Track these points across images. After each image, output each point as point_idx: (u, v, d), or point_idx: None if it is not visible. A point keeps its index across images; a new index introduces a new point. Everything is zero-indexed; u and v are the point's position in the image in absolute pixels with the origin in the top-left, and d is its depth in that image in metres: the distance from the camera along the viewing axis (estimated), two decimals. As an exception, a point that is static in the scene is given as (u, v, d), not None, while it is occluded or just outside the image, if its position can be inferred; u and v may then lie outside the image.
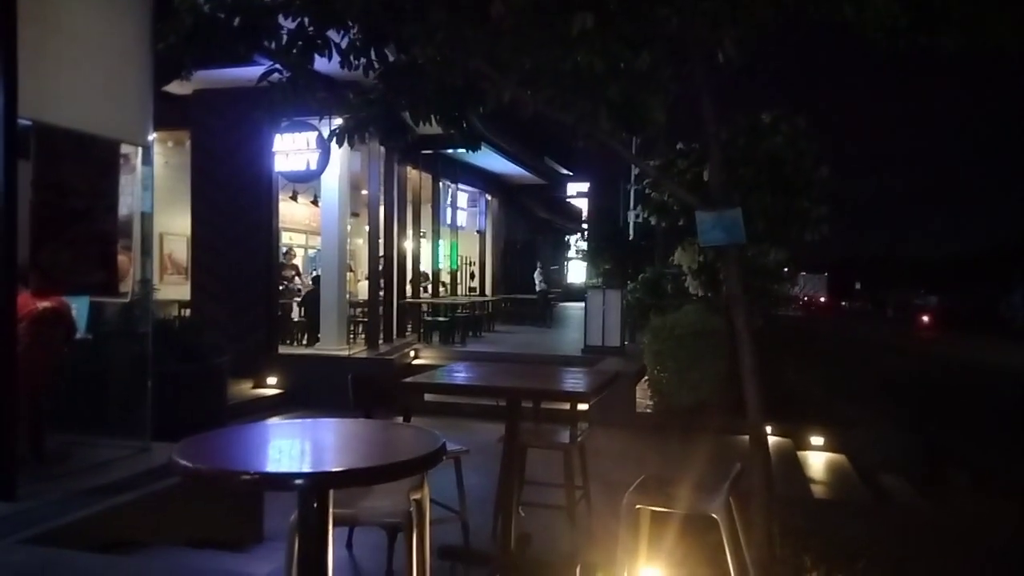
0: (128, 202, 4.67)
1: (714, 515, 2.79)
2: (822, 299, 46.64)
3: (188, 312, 10.14)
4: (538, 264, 19.50)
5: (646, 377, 8.93)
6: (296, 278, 12.70)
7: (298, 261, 14.16)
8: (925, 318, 34.75)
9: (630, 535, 2.94)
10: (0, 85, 3.43)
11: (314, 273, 12.55)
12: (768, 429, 4.42)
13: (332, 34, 4.04)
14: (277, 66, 4.18)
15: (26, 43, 3.55)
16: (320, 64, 4.15)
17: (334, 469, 1.86)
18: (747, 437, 3.79)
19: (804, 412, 8.34)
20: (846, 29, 3.48)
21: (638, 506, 2.95)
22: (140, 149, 4.63)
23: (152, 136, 4.67)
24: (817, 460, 7.39)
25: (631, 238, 21.36)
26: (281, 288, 11.32)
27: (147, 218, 4.82)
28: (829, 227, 8.38)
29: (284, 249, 11.80)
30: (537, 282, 18.16)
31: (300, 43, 4.00)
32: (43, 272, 3.95)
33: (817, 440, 7.68)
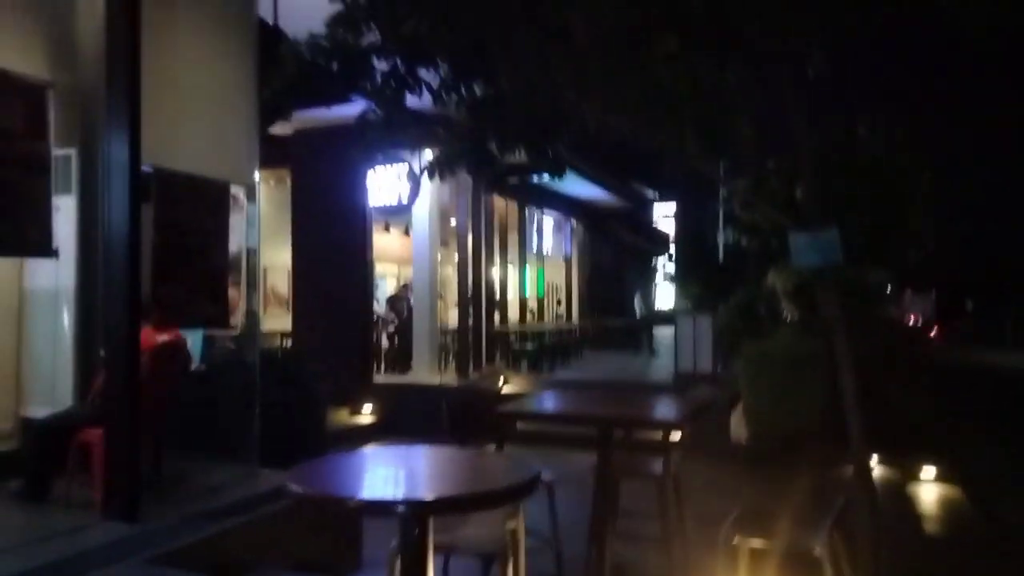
0: (236, 239, 4.96)
1: (816, 552, 2.69)
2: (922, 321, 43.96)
3: (289, 342, 10.58)
4: (637, 291, 19.21)
5: (741, 405, 8.68)
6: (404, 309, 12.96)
7: (391, 291, 14.57)
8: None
9: (728, 571, 2.87)
10: (127, 136, 3.74)
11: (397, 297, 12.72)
12: (874, 459, 4.22)
13: (423, 72, 4.22)
14: (372, 106, 4.39)
15: (146, 96, 3.86)
16: (412, 101, 4.33)
17: (434, 497, 1.92)
18: (850, 468, 3.64)
19: (915, 441, 7.88)
20: (946, 26, 3.32)
21: (736, 540, 2.88)
22: (246, 188, 4.93)
23: (257, 176, 4.97)
24: (929, 493, 6.96)
25: (721, 260, 20.89)
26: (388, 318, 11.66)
27: (253, 253, 5.11)
28: (933, 241, 7.96)
29: (404, 282, 12.11)
30: (637, 307, 17.80)
31: (393, 83, 4.20)
32: (162, 308, 4.24)
33: (929, 470, 7.24)
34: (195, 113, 4.48)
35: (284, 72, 4.34)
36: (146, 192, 4.12)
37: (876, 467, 5.06)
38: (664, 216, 33.65)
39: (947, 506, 6.65)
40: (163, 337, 4.28)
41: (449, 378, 10.51)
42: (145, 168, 3.97)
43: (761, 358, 8.15)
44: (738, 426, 8.48)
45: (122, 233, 3.69)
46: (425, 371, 10.36)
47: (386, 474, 2.18)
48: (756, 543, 2.89)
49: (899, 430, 7.68)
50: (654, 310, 17.09)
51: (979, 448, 8.64)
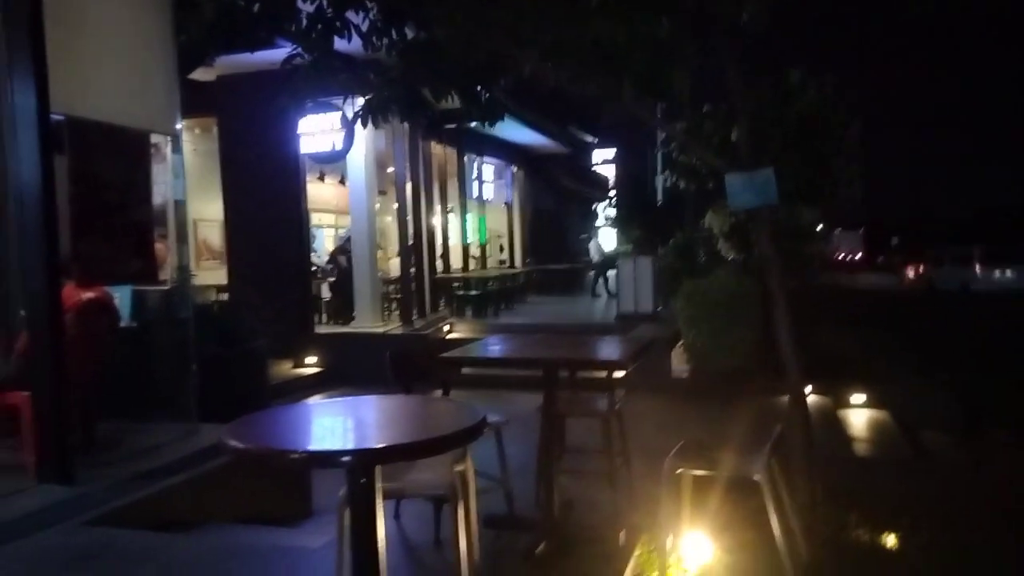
0: (161, 191, 4.76)
1: (756, 478, 2.80)
2: (858, 256, 45.85)
3: (226, 296, 10.32)
4: (593, 235, 19.11)
5: (681, 342, 8.90)
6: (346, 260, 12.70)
7: (328, 243, 14.28)
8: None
9: (672, 499, 2.96)
10: (32, 82, 3.49)
11: (341, 245, 12.50)
12: (807, 389, 4.39)
13: (351, 15, 4.04)
14: (299, 50, 4.20)
15: (53, 41, 3.60)
16: (341, 45, 4.15)
17: (379, 445, 1.90)
18: (786, 398, 3.78)
19: (844, 370, 8.25)
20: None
21: (679, 470, 2.96)
22: (169, 138, 4.69)
23: (180, 125, 4.73)
24: (858, 417, 7.32)
25: (660, 204, 21.14)
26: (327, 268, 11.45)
27: (180, 206, 4.90)
28: (861, 184, 8.20)
29: (346, 235, 11.82)
30: (593, 252, 17.66)
31: (320, 26, 4.01)
32: (84, 263, 4.05)
33: (858, 397, 7.61)
34: (108, 58, 4.21)
35: (202, 15, 4.10)
36: (59, 143, 3.89)
37: (810, 396, 5.27)
38: (604, 161, 33.76)
39: (875, 429, 7.02)
40: (87, 294, 4.10)
41: (393, 327, 10.45)
42: (56, 117, 3.74)
43: (700, 297, 8.34)
44: (679, 362, 8.72)
45: (34, 186, 3.48)
46: (368, 320, 10.26)
47: (329, 424, 2.15)
48: (698, 472, 2.98)
49: (830, 360, 8.02)
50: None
51: (902, 375, 9.11)
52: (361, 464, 1.86)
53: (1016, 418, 7.00)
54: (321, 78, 4.28)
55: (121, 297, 4.67)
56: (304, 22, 4.06)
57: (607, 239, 22.40)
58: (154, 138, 4.69)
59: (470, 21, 3.61)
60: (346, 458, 1.83)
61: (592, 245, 17.90)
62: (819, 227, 10.12)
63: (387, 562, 2.03)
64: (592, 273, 17.43)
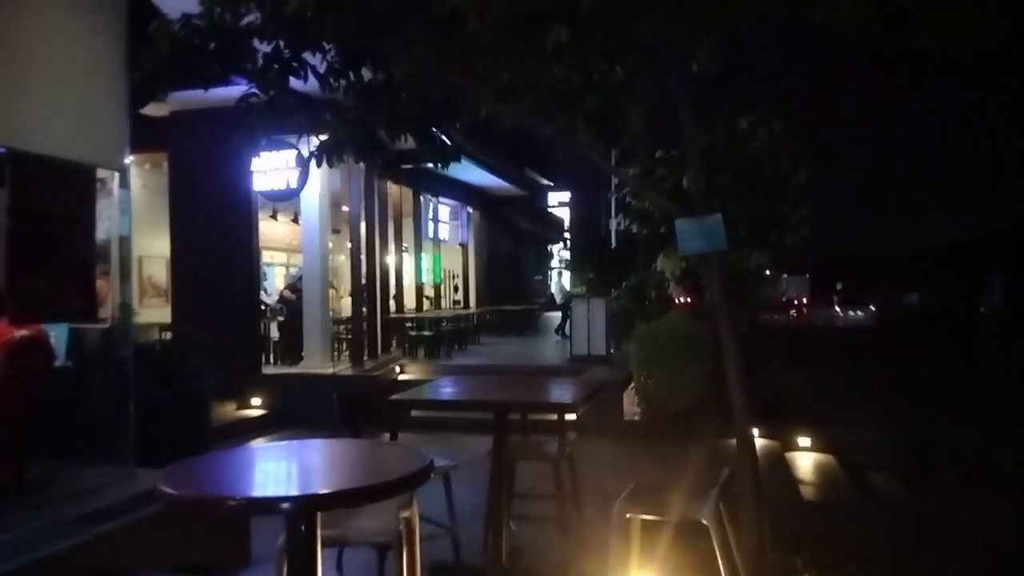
0: (106, 226, 4.63)
1: (704, 521, 2.80)
2: (804, 300, 47.32)
3: (169, 335, 10.05)
4: (556, 275, 19.26)
5: (633, 384, 8.95)
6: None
7: (278, 281, 14.06)
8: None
9: (621, 544, 2.94)
10: (-29, 113, 3.39)
11: (291, 283, 12.34)
12: (756, 432, 4.45)
13: (308, 56, 4.05)
14: (254, 88, 4.18)
15: (-3, 71, 3.52)
16: (299, 84, 4.15)
17: (320, 491, 1.85)
18: (735, 441, 3.81)
19: (791, 414, 8.39)
20: (820, 29, 3.52)
21: (628, 515, 2.94)
22: (117, 173, 4.59)
23: (129, 160, 4.64)
24: (805, 461, 7.43)
25: (614, 246, 21.44)
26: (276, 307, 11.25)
27: (125, 242, 4.78)
28: (809, 229, 8.46)
29: (298, 275, 11.64)
30: (556, 292, 17.76)
31: (276, 66, 4.01)
32: (20, 300, 3.90)
33: (804, 441, 7.73)
34: (55, 90, 4.11)
35: (156, 52, 4.06)
36: (-2, 175, 3.78)
37: (758, 439, 5.34)
38: (559, 203, 34.20)
39: (822, 472, 7.12)
40: (21, 332, 3.94)
41: (343, 368, 10.28)
42: (-3, 148, 3.63)
43: (652, 339, 8.42)
44: (631, 405, 8.75)
45: (-32, 219, 3.35)
46: (318, 361, 10.08)
47: (270, 470, 2.08)
48: (647, 516, 2.97)
49: (777, 404, 8.16)
50: (543, 295, 17.19)
51: (848, 419, 9.30)
52: (302, 511, 1.80)
53: (960, 457, 7.20)
54: (276, 117, 4.26)
55: (57, 335, 4.50)
56: (260, 61, 4.05)
57: (567, 279, 22.55)
58: (101, 173, 4.58)
59: (426, 56, 3.65)
60: (286, 504, 1.77)
61: (555, 286, 18.02)
62: (767, 271, 10.37)
63: (328, 614, 1.96)
64: (560, 314, 17.51)
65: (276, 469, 2.08)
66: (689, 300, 9.59)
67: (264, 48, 4.01)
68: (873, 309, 46.71)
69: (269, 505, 1.82)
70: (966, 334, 26.77)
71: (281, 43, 3.97)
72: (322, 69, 4.07)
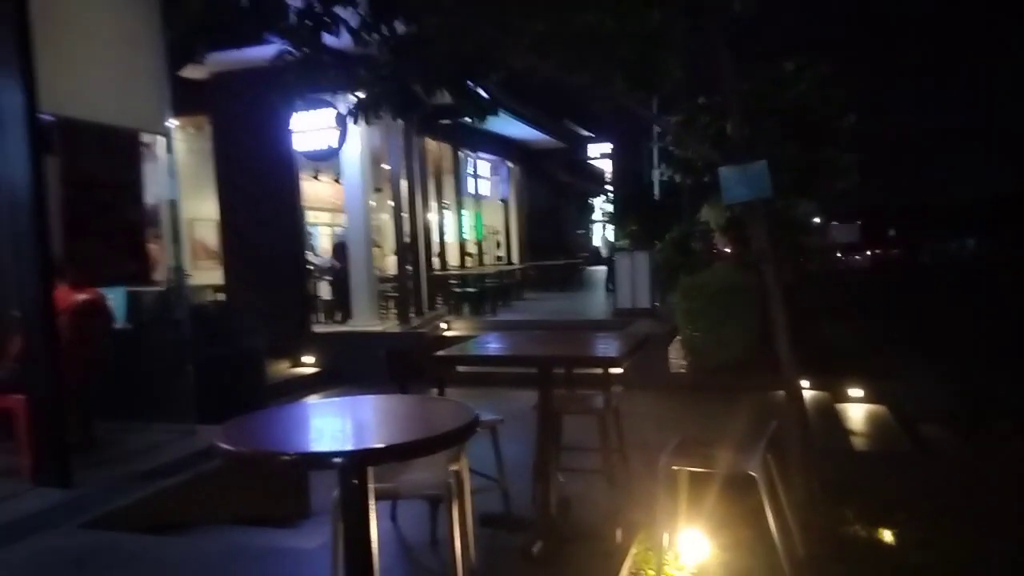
0: (154, 191, 4.73)
1: (752, 473, 2.79)
2: (855, 247, 46.26)
3: (222, 296, 10.29)
4: (599, 227, 19.08)
5: (678, 337, 8.89)
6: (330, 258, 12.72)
7: (324, 242, 14.24)
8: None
9: (669, 496, 2.96)
10: (20, 82, 3.46)
11: (338, 244, 12.50)
12: (805, 383, 4.39)
13: (340, 10, 4.01)
14: (288, 46, 4.17)
15: (41, 40, 3.57)
16: (331, 40, 4.13)
17: (371, 446, 1.89)
18: (783, 393, 3.77)
19: (843, 364, 8.25)
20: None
21: (675, 467, 2.95)
22: (161, 138, 4.67)
23: (172, 123, 4.70)
24: (857, 412, 7.32)
25: (657, 198, 21.10)
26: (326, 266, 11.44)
27: (174, 205, 4.88)
28: (857, 175, 8.19)
29: (343, 233, 11.80)
30: (602, 247, 17.74)
31: (309, 22, 3.99)
32: (78, 265, 4.03)
33: (856, 392, 7.61)
34: (96, 56, 4.18)
35: (189, 10, 4.07)
36: (49, 144, 3.87)
37: (808, 391, 5.27)
38: (601, 155, 33.67)
39: (873, 423, 7.02)
40: (81, 296, 4.08)
41: (390, 325, 10.43)
42: (46, 117, 3.71)
43: (697, 291, 8.33)
44: (676, 358, 8.71)
45: (24, 188, 3.46)
46: (365, 319, 10.24)
47: (322, 425, 2.13)
48: (694, 469, 2.98)
49: (827, 355, 8.02)
50: (586, 248, 17.14)
51: (900, 371, 9.11)
52: (353, 465, 1.85)
53: (1017, 410, 7.01)
54: (311, 75, 4.26)
55: (115, 299, 4.66)
56: (292, 18, 4.03)
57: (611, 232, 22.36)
58: (146, 138, 4.66)
59: (458, 9, 3.59)
60: (338, 459, 1.82)
61: (602, 239, 17.92)
62: (816, 220, 10.11)
63: (383, 563, 2.02)
64: (607, 268, 17.42)
65: (328, 425, 2.13)
66: (732, 250, 9.42)
67: (296, 3, 3.99)
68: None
69: (321, 460, 1.87)
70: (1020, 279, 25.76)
71: None
72: (354, 24, 4.03)
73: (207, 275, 11.13)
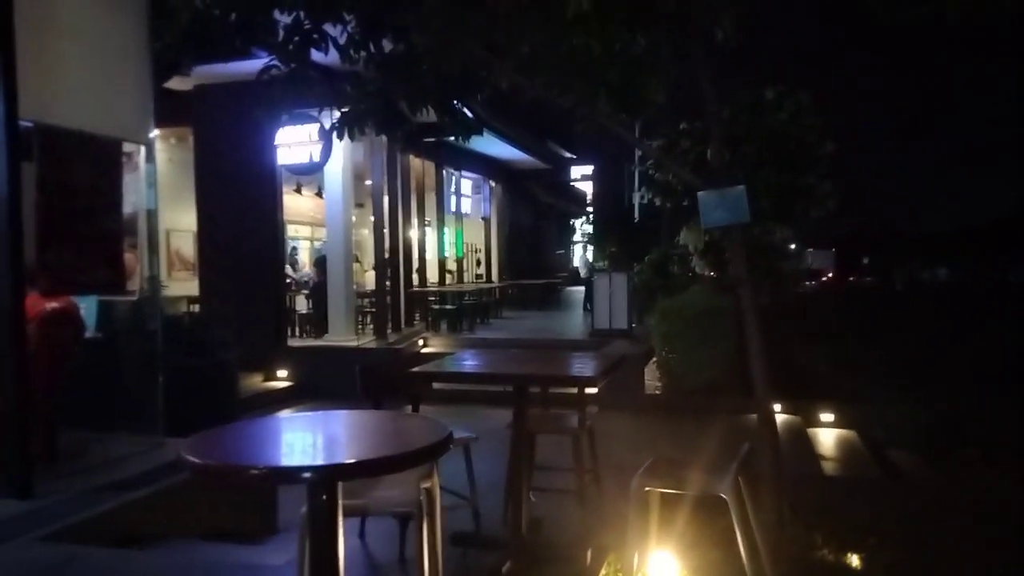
0: (133, 200, 4.68)
1: (723, 495, 2.80)
2: (829, 275, 46.86)
3: (197, 307, 10.20)
4: (578, 248, 19.40)
5: (654, 359, 8.93)
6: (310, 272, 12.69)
7: (304, 255, 14.17)
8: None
9: (640, 517, 2.96)
10: (0, 88, 3.43)
11: (317, 258, 12.50)
12: (777, 407, 4.43)
13: (329, 27, 4.03)
14: (275, 61, 4.18)
15: (24, 45, 3.55)
16: (319, 56, 4.14)
17: (341, 461, 1.88)
18: (756, 416, 3.80)
19: (814, 389, 8.33)
20: (847, 1, 3.44)
21: (647, 488, 2.96)
22: (142, 147, 4.64)
23: (154, 133, 4.68)
24: (827, 437, 7.39)
25: (636, 220, 21.29)
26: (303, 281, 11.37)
27: (152, 215, 4.84)
28: (835, 202, 8.32)
29: (322, 253, 11.75)
30: (581, 267, 18.01)
31: (297, 38, 4.00)
32: (50, 273, 3.98)
33: (827, 416, 7.68)
34: (80, 64, 4.15)
35: (177, 22, 4.07)
36: (27, 150, 3.82)
37: (780, 415, 5.32)
38: (582, 176, 33.94)
39: (844, 448, 7.09)
40: (52, 304, 4.02)
41: (367, 341, 10.38)
42: (24, 123, 3.68)
43: (674, 314, 8.39)
44: (652, 379, 8.75)
45: (-1, 193, 3.41)
46: (342, 334, 10.19)
47: (292, 440, 2.12)
48: (667, 490, 2.98)
49: (800, 379, 8.10)
50: (564, 269, 17.30)
51: (871, 396, 9.22)
52: (322, 480, 1.84)
53: (985, 437, 7.11)
54: (297, 89, 4.26)
55: (87, 307, 4.59)
56: (281, 33, 4.05)
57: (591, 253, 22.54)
58: (127, 147, 4.63)
59: (445, 27, 3.62)
60: (307, 474, 1.80)
61: (580, 260, 18.10)
62: (792, 246, 10.24)
63: (350, 580, 2.00)
64: (585, 288, 17.54)
65: (298, 439, 2.12)
66: (709, 274, 9.51)
67: (285, 19, 4.00)
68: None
69: (290, 474, 1.85)
70: (992, 309, 26.27)
71: (301, 14, 3.96)
72: (342, 41, 4.05)
73: (183, 286, 11.04)
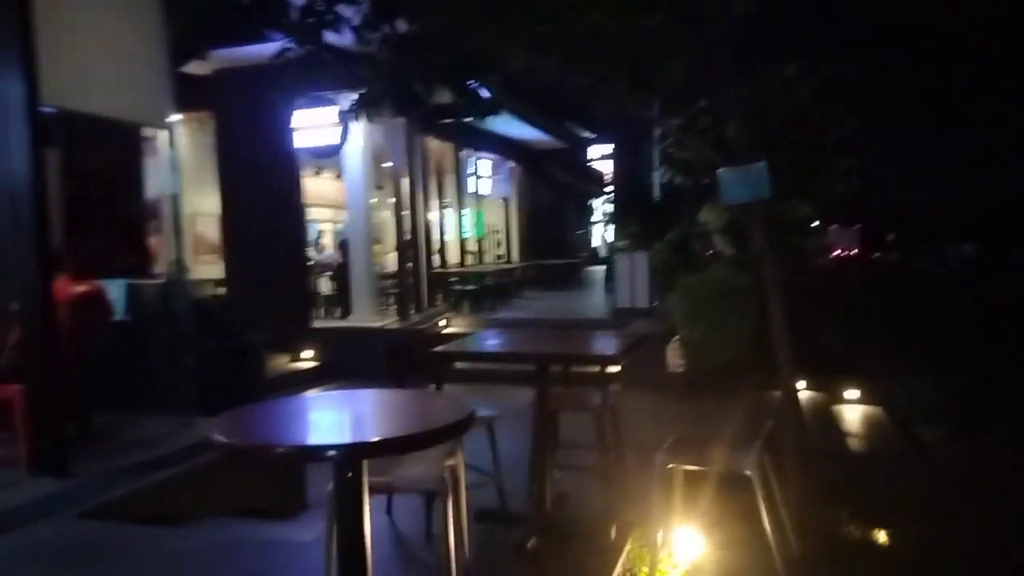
0: (156, 185, 4.75)
1: (747, 473, 2.80)
2: (853, 252, 46.20)
3: (223, 291, 10.31)
4: (600, 227, 19.30)
5: (676, 337, 8.89)
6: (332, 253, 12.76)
7: (327, 239, 14.25)
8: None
9: (663, 495, 2.97)
10: (22, 75, 3.48)
11: (341, 243, 12.58)
12: (802, 384, 4.39)
13: (343, 8, 4.02)
14: (290, 44, 4.19)
15: (43, 34, 3.59)
16: (334, 38, 4.14)
17: (366, 439, 1.90)
18: (779, 394, 3.78)
19: (840, 365, 8.25)
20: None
21: (671, 465, 2.96)
22: (164, 131, 4.68)
23: (174, 118, 4.72)
24: (853, 413, 7.33)
25: (657, 199, 21.11)
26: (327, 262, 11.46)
27: (175, 199, 4.90)
28: (857, 179, 8.19)
29: (344, 235, 11.85)
30: (603, 246, 17.95)
31: (311, 19, 4.00)
32: (78, 257, 4.05)
33: (852, 393, 7.61)
34: (99, 50, 4.19)
35: (192, 6, 4.09)
36: (51, 136, 3.88)
37: (803, 391, 5.29)
38: (601, 156, 33.63)
39: (870, 425, 7.02)
40: (80, 288, 4.09)
41: (390, 321, 10.44)
42: (48, 110, 3.73)
43: (696, 292, 8.33)
44: (674, 358, 8.71)
45: (25, 179, 3.47)
46: (365, 315, 10.26)
47: (317, 418, 2.15)
48: (690, 467, 2.98)
49: (824, 356, 8.02)
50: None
51: (898, 373, 9.12)
52: (347, 458, 1.86)
53: (1012, 413, 7.01)
54: (312, 72, 4.27)
55: (115, 291, 4.67)
56: (295, 15, 4.05)
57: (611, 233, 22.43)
58: (149, 132, 4.68)
59: (461, 8, 3.60)
60: (332, 452, 1.83)
61: (601, 239, 18.01)
62: (815, 223, 10.12)
63: (378, 556, 2.03)
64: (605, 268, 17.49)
65: (323, 418, 2.14)
66: (730, 252, 9.43)
67: (298, 1, 4.00)
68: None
69: (316, 453, 1.88)
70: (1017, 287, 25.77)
71: None
72: (356, 22, 4.04)
73: (208, 269, 11.14)
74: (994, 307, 18.94)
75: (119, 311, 4.81)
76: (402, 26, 4.12)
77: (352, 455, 1.85)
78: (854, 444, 6.39)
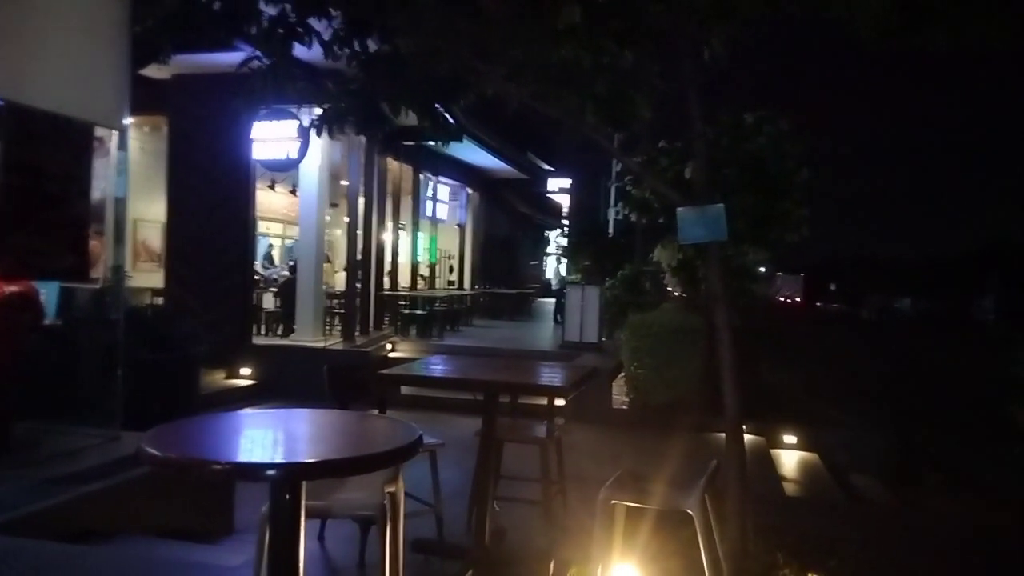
0: (102, 186, 4.58)
1: (689, 511, 2.80)
2: (797, 300, 47.56)
3: (161, 300, 10.00)
4: (552, 260, 19.40)
5: (623, 373, 8.95)
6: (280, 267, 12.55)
7: (276, 253, 14.00)
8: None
9: (605, 530, 2.94)
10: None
11: (290, 263, 12.42)
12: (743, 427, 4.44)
13: (314, 22, 3.99)
14: (257, 53, 4.12)
15: (-3, 21, 3.45)
16: (302, 52, 4.09)
17: (307, 460, 1.83)
18: (722, 435, 3.81)
19: (778, 411, 8.41)
20: (835, 28, 3.48)
21: (613, 501, 2.94)
22: (115, 133, 4.53)
23: (128, 120, 4.57)
24: (790, 459, 7.46)
25: (611, 235, 21.40)
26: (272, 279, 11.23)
27: (121, 203, 4.72)
28: (809, 229, 8.44)
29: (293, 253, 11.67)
30: (553, 279, 18.06)
31: (281, 31, 3.95)
32: (11, 256, 3.86)
33: (790, 439, 7.75)
34: (55, 43, 4.05)
35: (160, 6, 4.00)
36: (-5, 128, 3.72)
37: (744, 435, 5.33)
38: (559, 189, 34.04)
39: (805, 471, 7.15)
40: (10, 288, 3.90)
41: (334, 342, 10.25)
42: (-7, 100, 3.57)
43: (645, 330, 8.42)
44: (620, 393, 8.76)
45: (-39, 170, 3.30)
46: (309, 334, 10.05)
47: (256, 436, 2.06)
48: (632, 504, 2.97)
49: (764, 400, 8.17)
50: (537, 280, 17.32)
51: (833, 421, 9.34)
52: (287, 479, 1.79)
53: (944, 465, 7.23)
54: (278, 83, 4.20)
55: (48, 293, 4.47)
56: (265, 24, 3.98)
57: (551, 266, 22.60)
58: (99, 132, 4.52)
59: (437, 31, 3.60)
60: (271, 471, 1.75)
61: (553, 272, 18.13)
62: (762, 269, 10.37)
63: (308, 584, 1.95)
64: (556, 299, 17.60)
65: (263, 436, 2.06)
66: (681, 292, 9.59)
67: (270, 11, 3.95)
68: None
69: (254, 471, 1.80)
70: (957, 340, 26.88)
71: (287, 6, 3.91)
72: (327, 36, 4.01)
73: (148, 277, 10.80)
74: (927, 361, 19.65)
75: (49, 315, 4.60)
76: (373, 44, 4.10)
77: (292, 475, 1.78)
78: (791, 488, 6.49)
